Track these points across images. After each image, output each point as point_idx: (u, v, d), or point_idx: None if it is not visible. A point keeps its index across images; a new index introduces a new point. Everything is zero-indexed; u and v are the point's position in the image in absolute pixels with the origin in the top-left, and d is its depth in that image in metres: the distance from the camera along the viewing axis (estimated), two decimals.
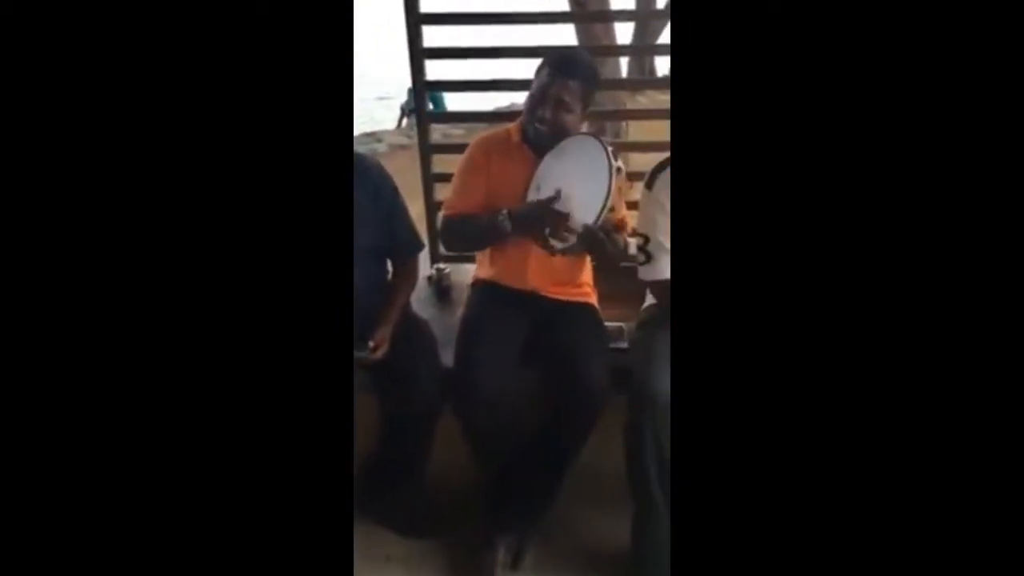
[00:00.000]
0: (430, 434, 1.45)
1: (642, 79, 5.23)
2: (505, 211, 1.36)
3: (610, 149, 1.31)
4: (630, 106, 4.10)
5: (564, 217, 1.29)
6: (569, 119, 1.38)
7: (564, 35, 3.72)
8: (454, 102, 6.29)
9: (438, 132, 4.52)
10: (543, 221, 1.32)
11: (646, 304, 1.56)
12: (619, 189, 1.30)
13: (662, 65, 9.72)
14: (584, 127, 1.53)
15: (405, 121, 7.24)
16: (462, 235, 1.51)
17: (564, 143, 1.41)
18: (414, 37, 1.73)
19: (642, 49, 4.22)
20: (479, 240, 1.52)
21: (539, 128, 1.39)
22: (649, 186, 1.41)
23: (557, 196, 1.31)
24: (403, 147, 5.92)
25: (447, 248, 1.62)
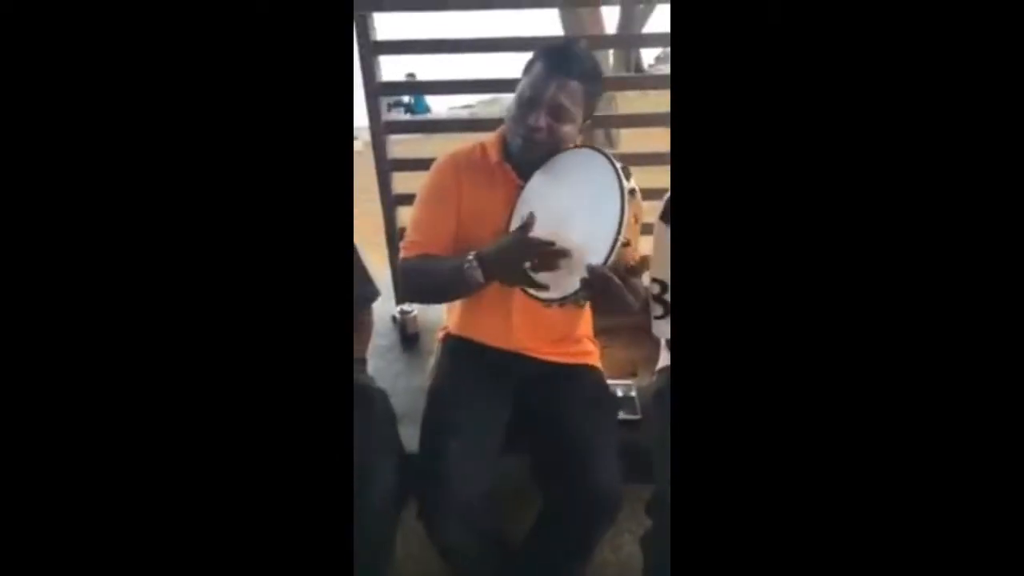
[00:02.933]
0: (391, 538, 1.13)
1: (633, 76, 4.85)
2: (472, 255, 1.00)
3: (619, 166, 0.97)
4: (621, 107, 3.77)
5: (548, 245, 0.94)
6: (568, 129, 1.05)
7: (549, 24, 3.38)
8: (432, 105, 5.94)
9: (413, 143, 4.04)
10: (521, 258, 0.96)
11: (661, 365, 1.23)
12: (634, 218, 0.95)
13: (647, 58, 9.39)
14: (579, 140, 1.19)
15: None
16: (422, 285, 1.13)
17: (557, 159, 1.07)
18: (363, 28, 1.39)
19: (638, 39, 3.87)
20: (443, 292, 1.14)
21: (531, 140, 1.04)
22: (665, 219, 1.08)
23: (531, 220, 0.96)
24: None
25: (407, 298, 1.27)
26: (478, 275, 0.99)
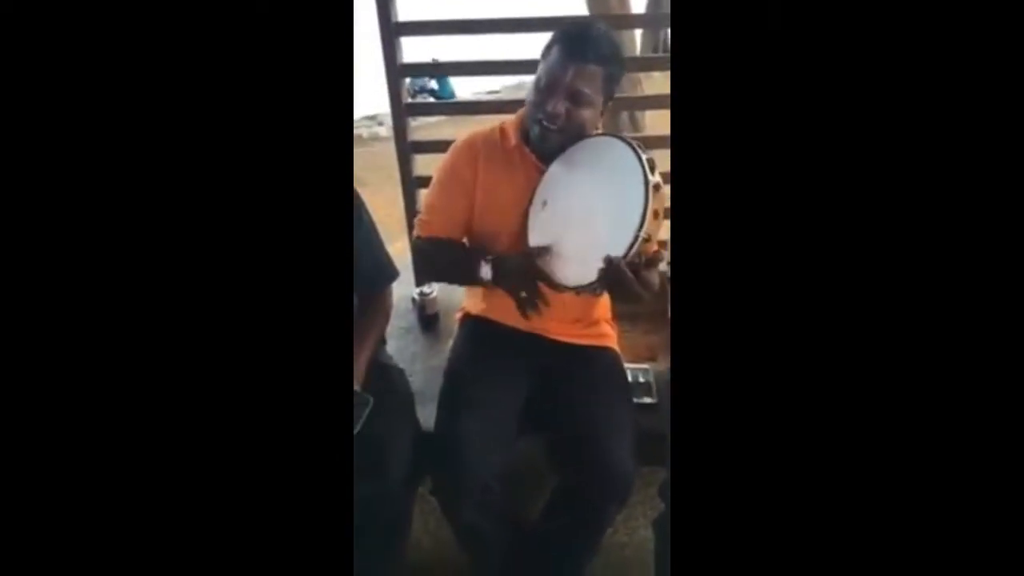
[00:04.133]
0: (407, 514, 1.15)
1: (660, 56, 4.75)
2: (489, 258, 1.05)
3: (646, 158, 0.95)
4: (647, 87, 3.70)
5: (546, 280, 1.01)
6: (587, 115, 1.03)
7: (571, 3, 3.31)
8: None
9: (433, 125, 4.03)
10: (528, 282, 1.02)
11: None
12: (655, 213, 0.93)
13: None
14: (601, 124, 1.18)
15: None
16: (434, 267, 1.19)
17: (579, 147, 1.06)
18: (384, 9, 1.38)
19: (666, 19, 3.78)
20: (454, 278, 1.20)
21: (547, 127, 1.03)
22: None
23: (548, 250, 1.03)
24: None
25: (420, 277, 1.28)
26: (488, 275, 1.05)
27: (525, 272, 1.01)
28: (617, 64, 1.04)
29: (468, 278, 1.10)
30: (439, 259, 1.14)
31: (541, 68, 1.04)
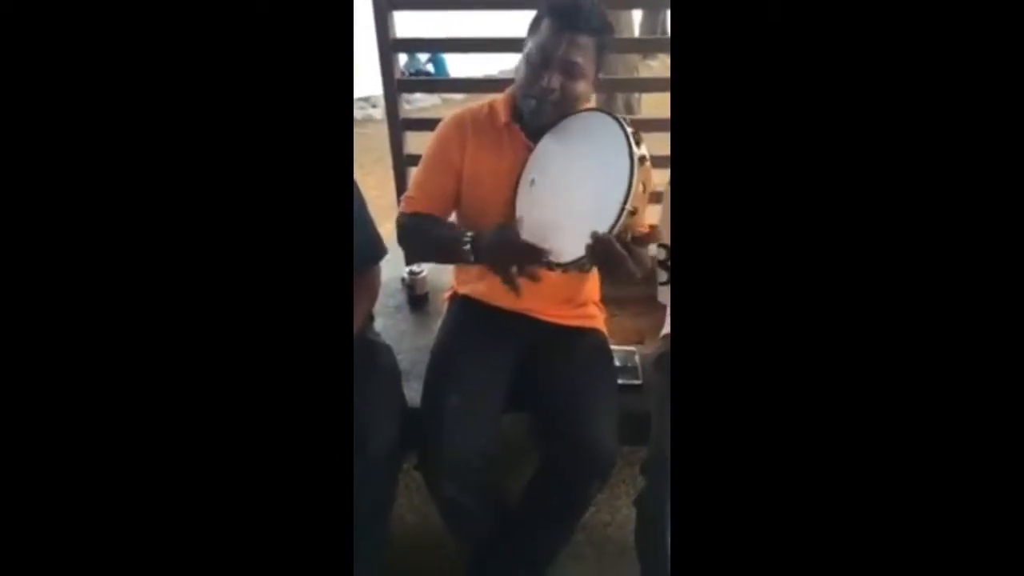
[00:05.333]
0: (391, 490, 1.16)
1: (655, 38, 4.69)
2: (469, 236, 1.03)
3: (631, 131, 0.95)
4: (643, 73, 3.67)
5: (535, 252, 0.97)
6: (582, 87, 1.02)
7: None
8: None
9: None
10: (510, 257, 0.99)
11: (665, 331, 1.23)
12: (642, 185, 0.93)
13: None
14: (594, 99, 1.17)
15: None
16: (418, 245, 1.18)
17: (567, 121, 1.05)
18: None
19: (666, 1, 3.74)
20: (438, 256, 1.20)
21: (542, 102, 1.02)
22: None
23: (521, 222, 1.01)
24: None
25: (405, 255, 1.28)
26: (469, 255, 1.03)
27: (506, 247, 0.99)
28: (608, 34, 1.03)
29: (451, 255, 1.09)
30: (422, 236, 1.13)
31: (531, 43, 1.03)
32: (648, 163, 0.98)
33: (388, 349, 1.24)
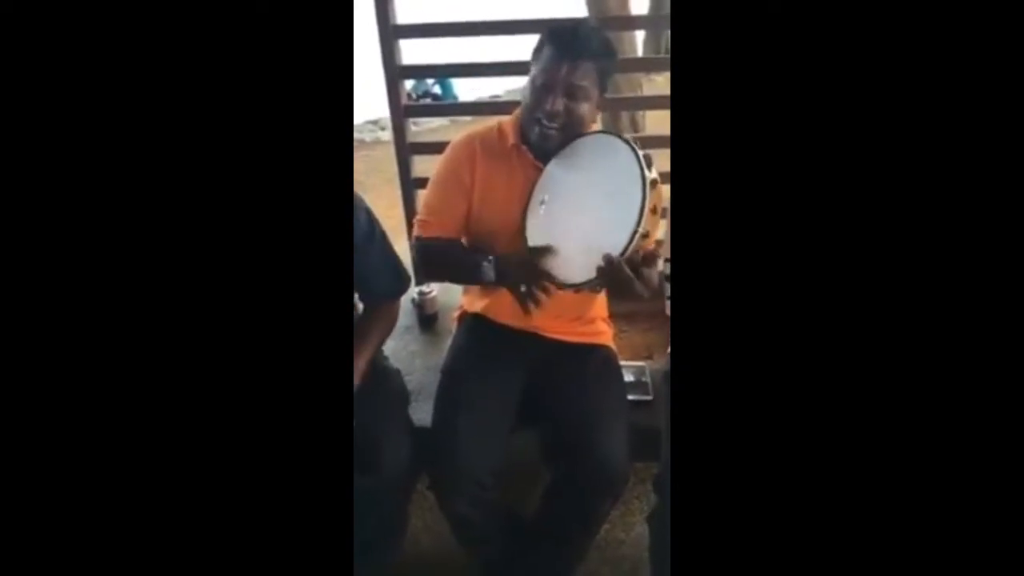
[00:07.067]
0: (403, 512, 1.16)
1: (659, 57, 4.75)
2: (491, 258, 1.07)
3: (642, 155, 0.96)
4: (647, 89, 3.70)
5: (547, 279, 1.03)
6: (585, 110, 1.05)
7: (571, 6, 3.33)
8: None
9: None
10: (529, 280, 1.04)
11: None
12: (653, 209, 0.95)
13: None
14: (599, 120, 1.19)
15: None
16: (437, 268, 1.21)
17: (576, 144, 1.07)
18: (383, 12, 1.40)
19: (667, 20, 3.79)
20: (456, 278, 1.22)
21: (547, 127, 1.05)
22: None
23: (549, 250, 1.04)
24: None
25: (421, 277, 1.30)
26: (491, 275, 1.07)
27: (527, 271, 1.03)
28: (608, 57, 1.05)
29: (470, 277, 1.12)
30: (441, 259, 1.16)
31: (535, 69, 1.05)
32: (660, 185, 0.99)
33: (397, 372, 1.26)
